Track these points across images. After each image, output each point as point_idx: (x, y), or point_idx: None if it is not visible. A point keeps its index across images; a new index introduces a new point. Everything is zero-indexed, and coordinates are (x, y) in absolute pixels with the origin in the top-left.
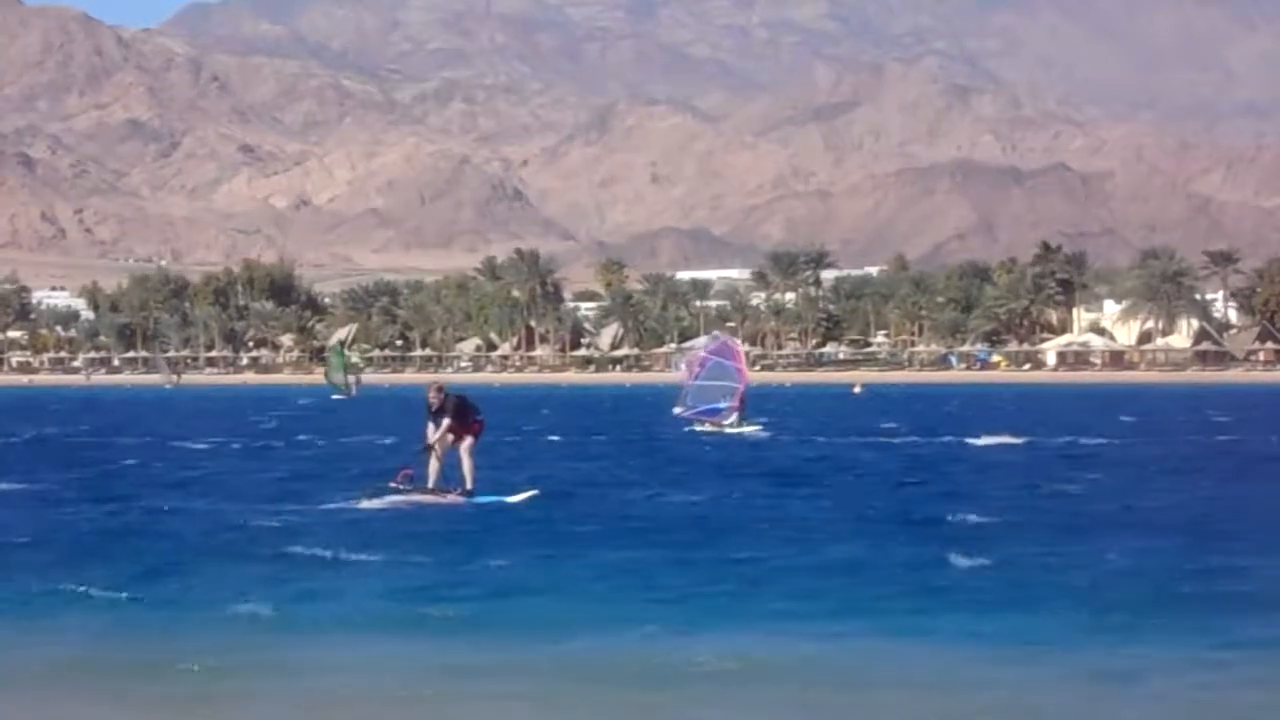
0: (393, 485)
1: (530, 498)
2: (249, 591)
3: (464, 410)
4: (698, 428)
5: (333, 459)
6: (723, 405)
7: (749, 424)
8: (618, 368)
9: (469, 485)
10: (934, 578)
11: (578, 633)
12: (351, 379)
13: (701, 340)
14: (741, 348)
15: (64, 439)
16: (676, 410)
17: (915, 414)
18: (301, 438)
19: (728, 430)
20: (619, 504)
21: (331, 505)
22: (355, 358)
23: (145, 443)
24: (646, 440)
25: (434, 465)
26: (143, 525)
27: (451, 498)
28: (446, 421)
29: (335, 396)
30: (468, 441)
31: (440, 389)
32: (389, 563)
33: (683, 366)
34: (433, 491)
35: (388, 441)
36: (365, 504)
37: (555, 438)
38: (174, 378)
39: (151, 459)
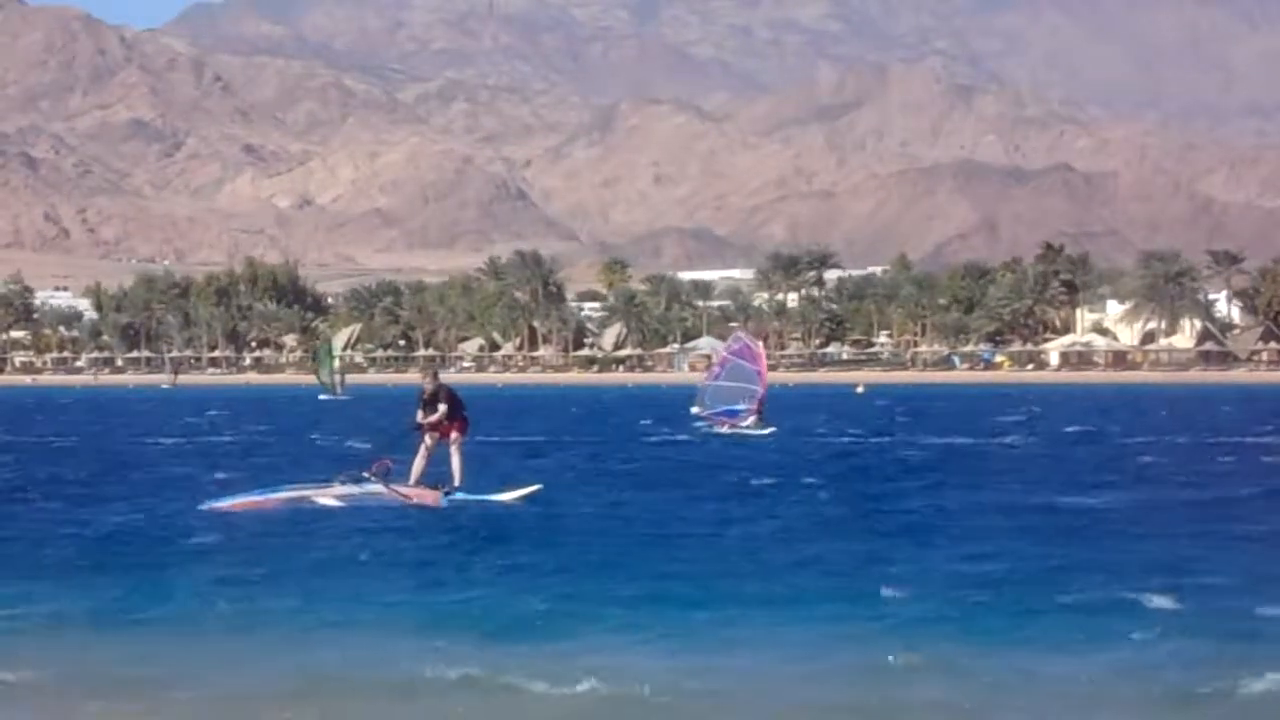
0: (365, 475)
1: (531, 493)
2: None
3: (455, 401)
4: (716, 429)
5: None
6: (741, 407)
7: (764, 427)
8: (620, 368)
9: (457, 482)
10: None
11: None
12: (338, 378)
13: (705, 341)
14: (762, 350)
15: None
16: (695, 410)
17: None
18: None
19: (746, 432)
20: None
21: (291, 493)
22: (359, 358)
23: (114, 442)
24: (623, 442)
25: (419, 463)
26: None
27: (428, 495)
28: (443, 408)
29: (322, 396)
30: (455, 437)
31: (435, 375)
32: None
33: (685, 366)
34: (410, 487)
35: (315, 437)
36: (334, 493)
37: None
38: (172, 377)
39: (98, 459)
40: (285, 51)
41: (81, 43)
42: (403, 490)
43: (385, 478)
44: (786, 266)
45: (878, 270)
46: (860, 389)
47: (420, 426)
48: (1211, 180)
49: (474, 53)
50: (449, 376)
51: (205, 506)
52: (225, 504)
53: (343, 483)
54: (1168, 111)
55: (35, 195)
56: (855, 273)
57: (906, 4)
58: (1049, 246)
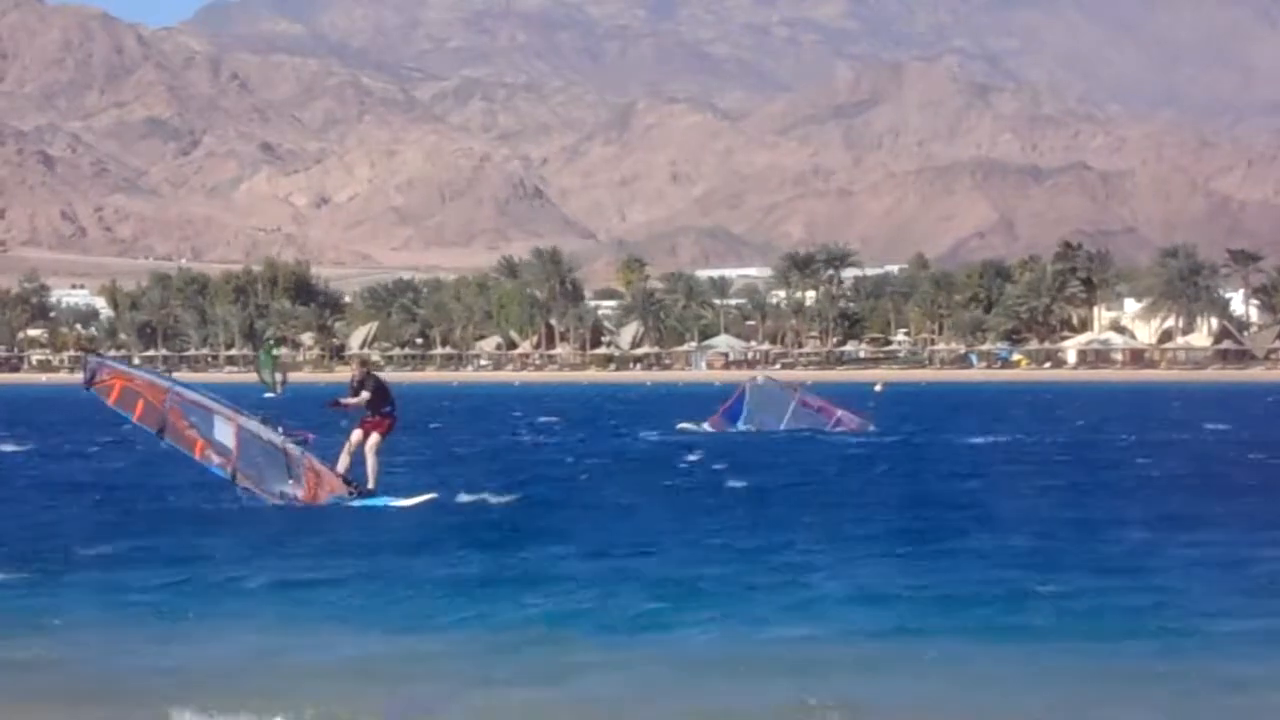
0: (284, 431)
1: (426, 501)
2: None
3: (381, 395)
4: (695, 425)
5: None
6: (742, 424)
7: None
8: (638, 366)
9: (370, 485)
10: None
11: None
12: (279, 377)
13: (722, 339)
14: (841, 423)
15: None
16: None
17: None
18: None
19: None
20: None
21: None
22: (376, 356)
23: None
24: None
25: (344, 458)
26: None
27: (337, 484)
28: (366, 395)
29: (267, 395)
30: (374, 438)
31: (363, 363)
32: None
33: (703, 364)
34: (328, 468)
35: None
36: (242, 421)
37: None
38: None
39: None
40: (302, 50)
41: (98, 41)
42: (317, 466)
43: (305, 447)
44: (804, 265)
45: (895, 268)
46: (879, 387)
47: (336, 404)
48: (1229, 178)
49: (491, 51)
50: (467, 375)
51: (104, 371)
52: (120, 370)
53: (262, 422)
54: (1185, 109)
55: (52, 193)
56: (872, 271)
57: (923, 2)
58: (1067, 244)
